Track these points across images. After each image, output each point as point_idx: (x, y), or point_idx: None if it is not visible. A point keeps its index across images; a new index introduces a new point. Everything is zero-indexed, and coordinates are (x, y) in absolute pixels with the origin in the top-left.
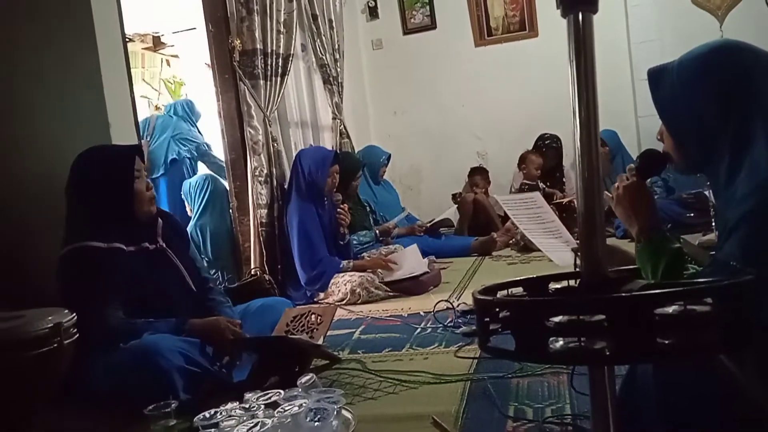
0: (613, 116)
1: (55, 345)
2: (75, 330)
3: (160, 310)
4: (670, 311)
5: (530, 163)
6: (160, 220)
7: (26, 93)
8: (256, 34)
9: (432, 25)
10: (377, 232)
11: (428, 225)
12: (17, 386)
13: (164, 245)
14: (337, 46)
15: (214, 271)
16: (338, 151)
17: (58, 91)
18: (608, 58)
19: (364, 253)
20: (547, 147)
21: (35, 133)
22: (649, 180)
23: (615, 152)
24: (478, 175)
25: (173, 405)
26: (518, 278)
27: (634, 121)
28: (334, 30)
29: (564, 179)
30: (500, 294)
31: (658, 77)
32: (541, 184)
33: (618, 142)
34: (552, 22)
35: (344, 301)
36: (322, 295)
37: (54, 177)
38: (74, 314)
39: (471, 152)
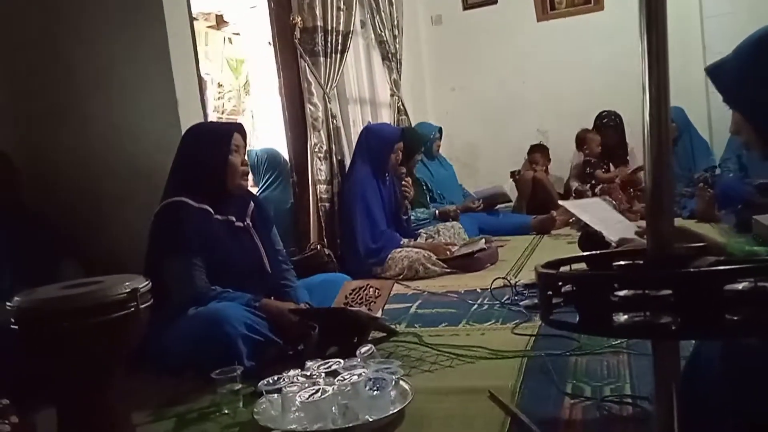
0: (681, 92)
1: (132, 309)
2: (150, 295)
3: (232, 282)
4: (740, 288)
5: (591, 142)
6: (252, 203)
7: (100, 72)
8: (317, 11)
9: (493, 0)
10: (437, 212)
11: (480, 200)
12: (96, 348)
13: (250, 224)
14: (396, 22)
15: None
16: (404, 128)
17: (130, 69)
18: (679, 32)
19: (422, 230)
20: (605, 126)
21: (109, 111)
22: (720, 158)
23: (682, 130)
24: (538, 152)
25: (239, 370)
26: (581, 254)
27: (704, 97)
28: (393, 6)
29: (628, 157)
30: (562, 269)
31: (717, 72)
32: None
33: (686, 120)
34: None
35: (401, 276)
36: (379, 269)
37: (127, 152)
38: (156, 271)
39: (531, 129)
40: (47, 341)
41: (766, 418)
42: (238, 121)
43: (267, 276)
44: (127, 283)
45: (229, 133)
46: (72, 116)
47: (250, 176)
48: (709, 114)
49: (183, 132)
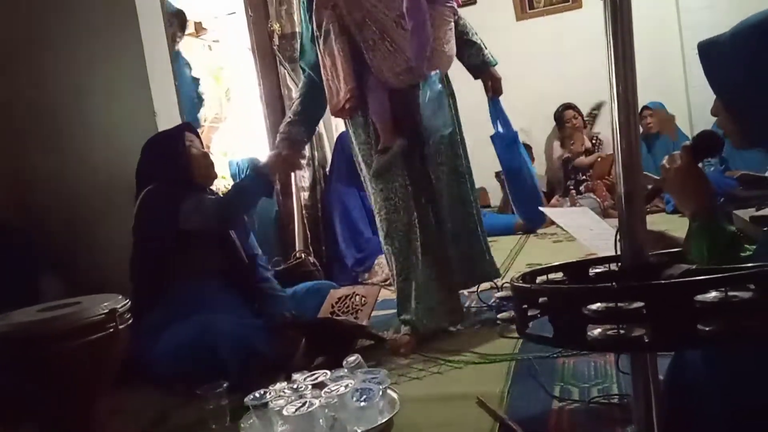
0: (660, 87)
1: (111, 330)
2: (129, 315)
3: (212, 273)
4: (711, 297)
5: (578, 139)
6: None
7: (75, 85)
8: (295, 18)
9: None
10: None
11: None
12: (77, 371)
13: None
14: None
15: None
16: None
17: (106, 81)
18: (656, 26)
19: None
20: (564, 108)
21: (85, 123)
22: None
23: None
24: None
25: (225, 386)
26: (558, 263)
27: (684, 92)
28: None
29: (593, 141)
30: (540, 279)
31: (709, 50)
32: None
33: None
34: None
35: (387, 282)
36: (366, 275)
37: (104, 164)
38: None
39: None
40: (25, 366)
41: (754, 414)
42: (187, 122)
43: (242, 261)
44: (105, 304)
45: (180, 131)
46: (47, 128)
47: None
48: (689, 109)
49: None
